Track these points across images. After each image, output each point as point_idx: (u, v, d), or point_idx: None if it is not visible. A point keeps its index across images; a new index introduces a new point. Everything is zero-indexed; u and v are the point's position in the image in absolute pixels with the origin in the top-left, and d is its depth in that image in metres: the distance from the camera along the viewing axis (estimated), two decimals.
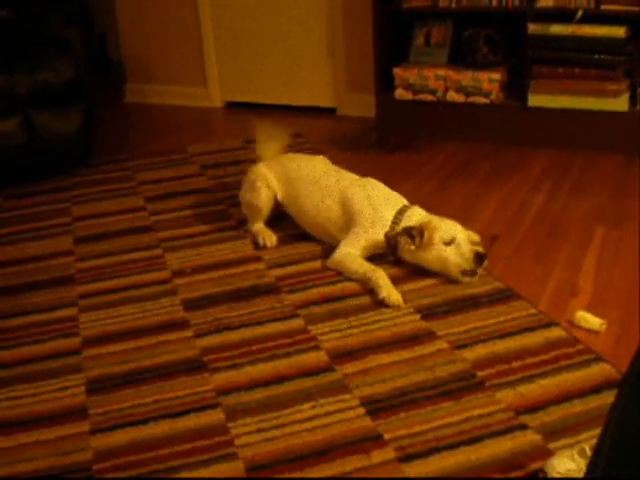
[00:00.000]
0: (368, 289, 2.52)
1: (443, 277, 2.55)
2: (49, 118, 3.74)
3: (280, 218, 3.02)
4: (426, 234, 2.53)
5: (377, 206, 2.68)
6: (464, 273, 2.50)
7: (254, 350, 2.22)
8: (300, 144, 4.00)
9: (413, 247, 2.56)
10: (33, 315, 2.53)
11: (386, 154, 3.92)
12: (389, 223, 2.64)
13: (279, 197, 2.97)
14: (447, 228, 2.54)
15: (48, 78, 3.67)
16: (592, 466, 1.01)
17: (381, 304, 2.42)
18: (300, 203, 2.90)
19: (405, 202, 2.72)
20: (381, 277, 2.50)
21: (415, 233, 2.54)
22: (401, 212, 2.65)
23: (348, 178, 2.85)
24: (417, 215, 2.64)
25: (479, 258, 2.49)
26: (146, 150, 4.20)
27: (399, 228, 2.61)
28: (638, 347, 0.97)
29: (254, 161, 3.16)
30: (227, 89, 5.01)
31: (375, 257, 2.67)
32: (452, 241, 2.52)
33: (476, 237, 2.63)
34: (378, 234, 2.64)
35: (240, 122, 4.68)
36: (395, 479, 1.69)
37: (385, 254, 2.67)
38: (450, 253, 2.51)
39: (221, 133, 4.61)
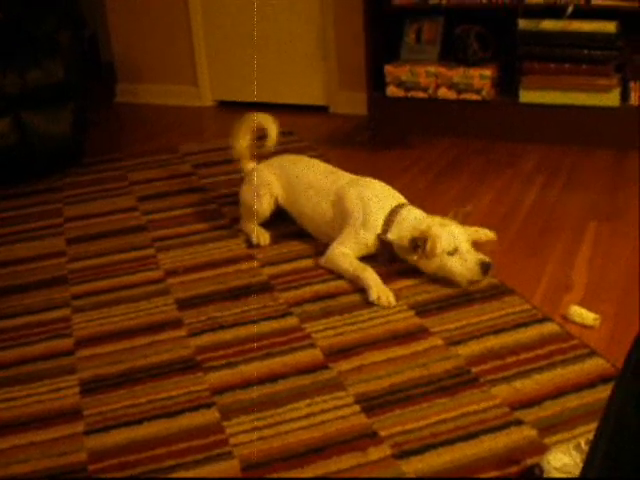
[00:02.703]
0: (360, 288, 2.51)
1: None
2: (40, 119, 3.72)
3: (277, 218, 3.00)
4: (428, 244, 2.45)
5: (368, 207, 2.62)
6: (470, 282, 2.46)
7: (248, 349, 2.22)
8: (292, 142, 3.99)
9: (415, 257, 2.52)
10: (26, 316, 2.52)
11: (378, 151, 3.92)
12: (380, 224, 2.60)
13: (280, 200, 2.95)
14: (449, 237, 2.46)
15: (39, 78, 3.64)
16: (587, 466, 1.01)
17: (372, 304, 2.41)
18: (299, 205, 2.88)
19: (401, 201, 2.66)
20: (370, 277, 2.48)
21: (419, 243, 2.48)
22: (393, 213, 2.59)
23: (346, 178, 2.81)
24: (411, 216, 2.57)
25: (484, 268, 2.43)
26: (137, 150, 4.18)
27: (392, 230, 2.57)
28: (632, 344, 0.96)
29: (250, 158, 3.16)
30: (218, 88, 5.00)
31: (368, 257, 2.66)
32: (455, 251, 2.46)
33: (486, 235, 2.61)
34: (368, 236, 2.61)
35: (232, 121, 4.66)
36: (394, 479, 1.69)
37: (378, 254, 2.64)
38: (454, 264, 2.45)
39: (212, 132, 4.59)
